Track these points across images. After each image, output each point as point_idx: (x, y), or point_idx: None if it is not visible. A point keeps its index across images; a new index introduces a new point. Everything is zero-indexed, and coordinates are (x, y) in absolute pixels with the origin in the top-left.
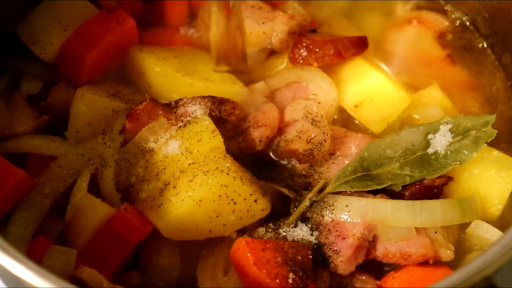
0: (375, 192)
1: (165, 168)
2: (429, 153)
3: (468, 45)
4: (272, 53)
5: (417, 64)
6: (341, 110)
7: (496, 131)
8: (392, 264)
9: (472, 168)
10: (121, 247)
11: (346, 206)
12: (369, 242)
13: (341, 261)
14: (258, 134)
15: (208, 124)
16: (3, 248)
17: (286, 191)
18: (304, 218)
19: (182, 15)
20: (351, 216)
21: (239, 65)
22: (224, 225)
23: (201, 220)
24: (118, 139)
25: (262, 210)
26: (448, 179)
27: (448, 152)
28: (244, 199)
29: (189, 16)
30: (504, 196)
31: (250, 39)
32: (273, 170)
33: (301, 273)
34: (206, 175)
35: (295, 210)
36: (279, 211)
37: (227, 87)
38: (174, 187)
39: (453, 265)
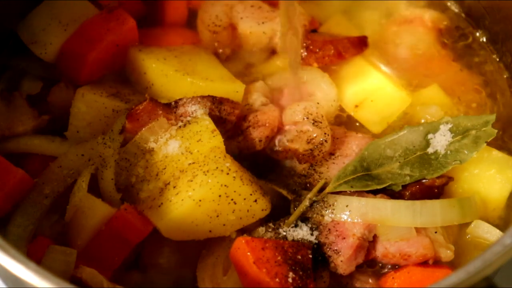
0: (375, 192)
1: (165, 168)
2: (429, 153)
3: (468, 44)
4: (272, 53)
5: (417, 63)
6: (341, 110)
7: (496, 131)
8: (392, 264)
9: (472, 168)
10: (121, 247)
11: (346, 206)
12: (369, 242)
13: (341, 261)
14: (258, 134)
15: (208, 124)
16: (3, 248)
17: (284, 192)
18: (304, 218)
19: (182, 15)
20: (351, 216)
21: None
22: (224, 225)
23: (201, 220)
24: (118, 139)
25: (262, 210)
26: (449, 179)
27: (448, 152)
28: (244, 199)
29: (189, 16)
30: (504, 196)
31: (250, 39)
32: (273, 170)
33: (301, 272)
34: (206, 175)
35: (295, 210)
36: (279, 211)
37: (227, 86)
38: (174, 187)
39: (453, 265)
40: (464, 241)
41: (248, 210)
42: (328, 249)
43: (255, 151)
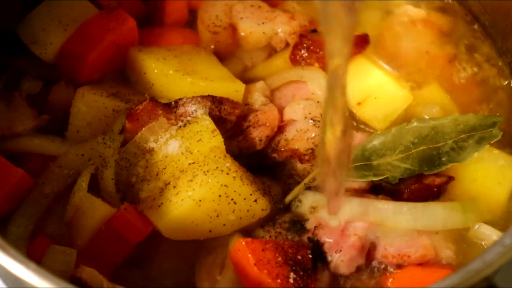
0: (376, 193)
1: (165, 168)
2: (432, 149)
3: (469, 44)
4: (272, 52)
5: (418, 63)
6: None
7: (501, 133)
8: (392, 264)
9: (473, 167)
10: (121, 247)
11: (348, 206)
12: (370, 243)
13: (341, 261)
14: (258, 134)
15: (208, 124)
16: (3, 248)
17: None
18: (304, 219)
19: (182, 15)
20: (352, 216)
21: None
22: (224, 225)
23: (201, 220)
24: (118, 139)
25: (262, 210)
26: (449, 178)
27: (451, 150)
28: (244, 199)
29: (189, 16)
30: (505, 196)
31: (250, 39)
32: (274, 170)
33: (301, 273)
34: (206, 175)
35: (295, 210)
36: (279, 211)
37: (227, 86)
38: (174, 187)
39: (453, 265)
40: (464, 241)
41: (248, 210)
42: (329, 249)
43: (255, 151)
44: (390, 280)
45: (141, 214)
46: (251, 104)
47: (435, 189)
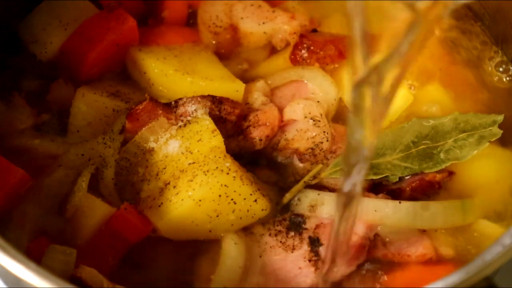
0: (376, 192)
1: (165, 168)
2: (432, 148)
3: (469, 44)
4: (272, 52)
5: (418, 62)
6: (343, 108)
7: (501, 131)
8: (392, 263)
9: (473, 164)
10: (121, 246)
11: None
12: (370, 241)
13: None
14: (258, 133)
15: (208, 124)
16: (3, 248)
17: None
18: (304, 217)
19: (182, 14)
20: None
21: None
22: (224, 225)
23: (201, 220)
24: (118, 139)
25: (262, 210)
26: (450, 173)
27: (451, 148)
28: (244, 199)
29: (189, 16)
30: (505, 195)
31: (250, 39)
32: (274, 169)
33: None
34: (206, 175)
35: (294, 209)
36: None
37: (227, 85)
38: (174, 187)
39: (453, 263)
40: (465, 238)
41: (248, 210)
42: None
43: (255, 151)
44: (391, 279)
45: (141, 214)
46: (251, 104)
47: (437, 186)
